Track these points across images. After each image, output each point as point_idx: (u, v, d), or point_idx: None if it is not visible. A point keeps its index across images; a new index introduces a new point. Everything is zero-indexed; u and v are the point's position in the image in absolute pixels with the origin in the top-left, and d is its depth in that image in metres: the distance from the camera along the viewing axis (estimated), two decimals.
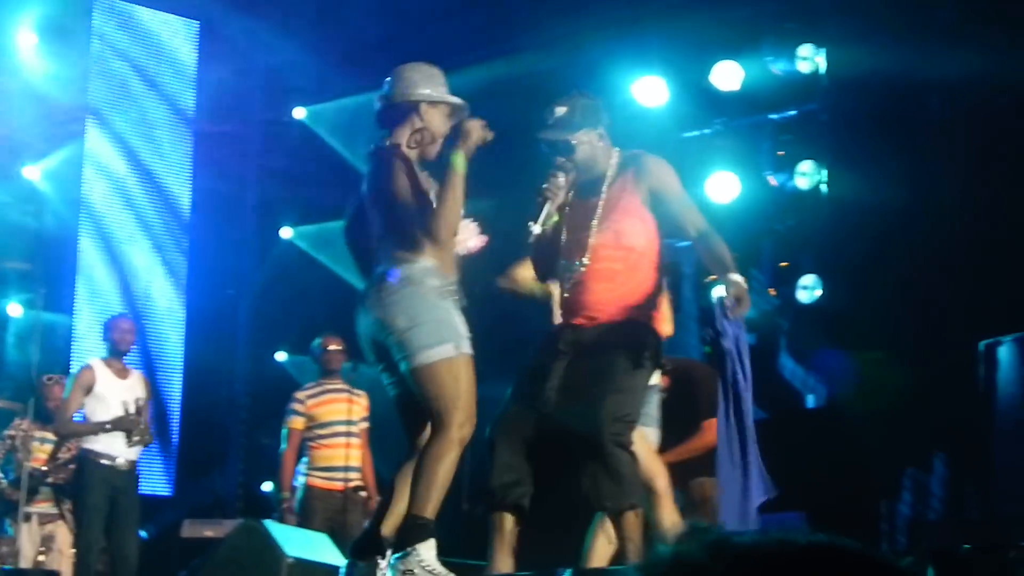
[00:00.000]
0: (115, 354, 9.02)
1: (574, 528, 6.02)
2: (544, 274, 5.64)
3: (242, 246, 13.15)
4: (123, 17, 12.61)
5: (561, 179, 5.36)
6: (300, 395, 9.30)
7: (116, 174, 12.44)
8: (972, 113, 9.05)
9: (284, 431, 9.23)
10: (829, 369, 9.62)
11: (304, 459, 9.20)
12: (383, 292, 5.10)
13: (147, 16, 12.74)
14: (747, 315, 5.32)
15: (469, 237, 5.30)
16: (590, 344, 5.28)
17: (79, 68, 12.11)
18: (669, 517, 5.93)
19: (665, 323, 5.79)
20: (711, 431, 7.53)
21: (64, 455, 9.51)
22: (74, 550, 9.05)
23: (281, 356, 12.62)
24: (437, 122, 5.32)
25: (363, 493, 9.16)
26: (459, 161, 5.11)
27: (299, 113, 12.88)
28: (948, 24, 9.10)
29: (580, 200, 5.42)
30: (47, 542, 9.61)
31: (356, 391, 9.28)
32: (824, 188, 9.92)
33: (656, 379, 5.86)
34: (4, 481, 9.57)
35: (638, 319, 5.30)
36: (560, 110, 5.45)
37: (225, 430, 12.94)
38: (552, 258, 5.42)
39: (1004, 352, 7.93)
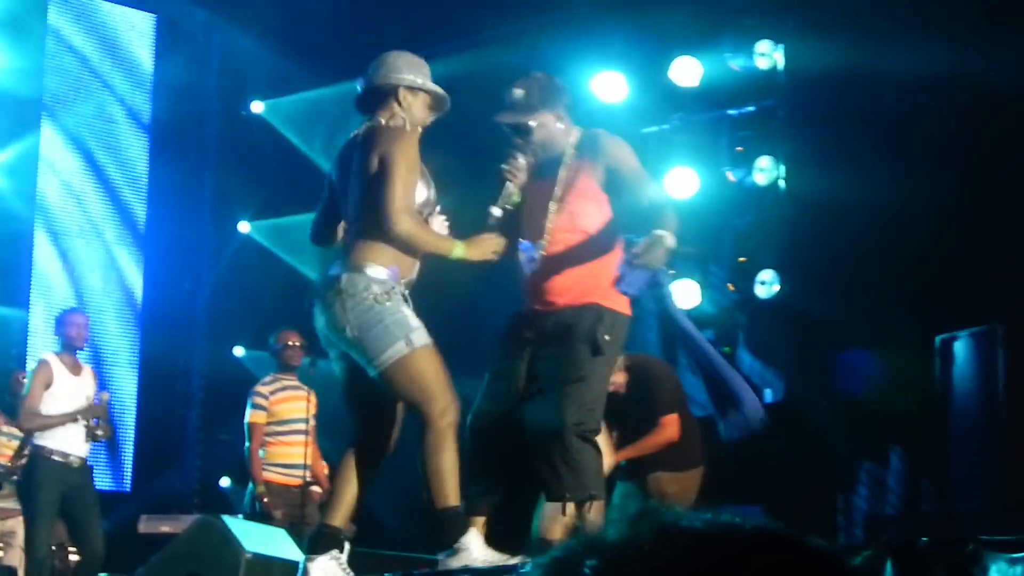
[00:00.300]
0: (68, 349, 8.94)
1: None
2: (506, 256, 5.61)
3: (199, 240, 13.09)
4: (80, 10, 12.53)
5: (521, 160, 5.35)
6: (262, 389, 9.21)
7: (71, 168, 12.36)
8: (929, 109, 9.11)
9: (246, 425, 9.17)
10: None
11: (260, 453, 9.15)
12: (329, 296, 5.11)
13: (104, 8, 12.67)
14: (668, 277, 5.73)
15: (440, 230, 5.27)
16: (550, 333, 5.28)
17: (35, 61, 12.03)
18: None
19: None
20: (669, 427, 7.57)
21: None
22: (22, 546, 8.99)
23: (239, 351, 12.57)
24: (417, 109, 5.29)
25: (315, 488, 9.12)
26: (457, 254, 5.14)
27: (257, 107, 12.83)
28: (905, 20, 9.16)
29: (539, 181, 5.40)
30: (7, 538, 9.52)
31: (309, 388, 9.23)
32: (782, 184, 9.97)
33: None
34: None
35: (597, 303, 5.28)
36: (518, 92, 5.44)
37: (182, 425, 12.88)
38: (514, 240, 5.39)
39: (960, 347, 7.98)
